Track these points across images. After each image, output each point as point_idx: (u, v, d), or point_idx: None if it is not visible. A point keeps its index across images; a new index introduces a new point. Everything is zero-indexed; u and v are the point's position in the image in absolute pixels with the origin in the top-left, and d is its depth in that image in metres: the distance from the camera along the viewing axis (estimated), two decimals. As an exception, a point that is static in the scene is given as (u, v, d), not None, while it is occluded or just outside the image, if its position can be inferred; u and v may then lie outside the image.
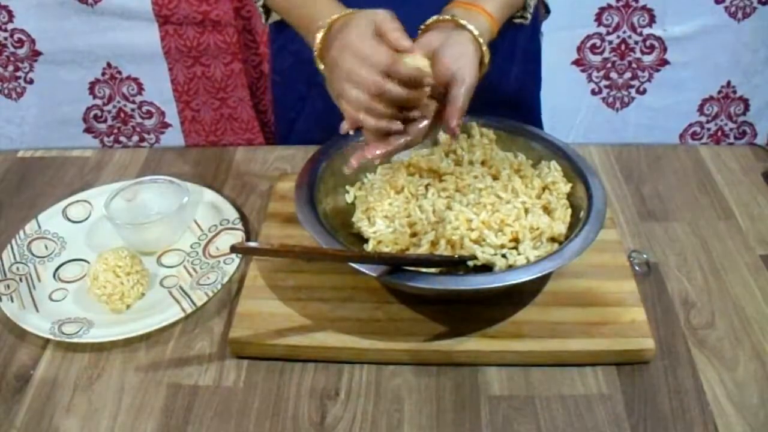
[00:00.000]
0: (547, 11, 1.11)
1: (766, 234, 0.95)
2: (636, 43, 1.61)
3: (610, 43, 1.62)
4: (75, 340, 0.81)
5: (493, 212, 0.83)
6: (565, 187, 0.88)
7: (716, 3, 1.55)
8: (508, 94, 1.07)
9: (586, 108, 1.70)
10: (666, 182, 1.04)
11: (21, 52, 1.63)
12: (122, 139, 1.78)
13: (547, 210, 0.86)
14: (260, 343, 0.79)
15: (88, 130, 1.75)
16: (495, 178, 0.89)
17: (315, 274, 0.86)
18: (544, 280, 0.84)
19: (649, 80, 1.66)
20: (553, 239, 0.83)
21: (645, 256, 0.91)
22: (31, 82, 1.68)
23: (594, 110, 1.71)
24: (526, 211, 0.84)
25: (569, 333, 0.79)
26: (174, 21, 1.57)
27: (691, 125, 1.73)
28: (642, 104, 1.70)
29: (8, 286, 0.88)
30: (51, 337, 0.81)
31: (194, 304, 0.85)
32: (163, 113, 1.72)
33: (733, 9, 1.56)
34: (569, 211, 0.86)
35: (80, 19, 1.57)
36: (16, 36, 1.61)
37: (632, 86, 1.67)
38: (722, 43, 1.60)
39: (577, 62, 1.64)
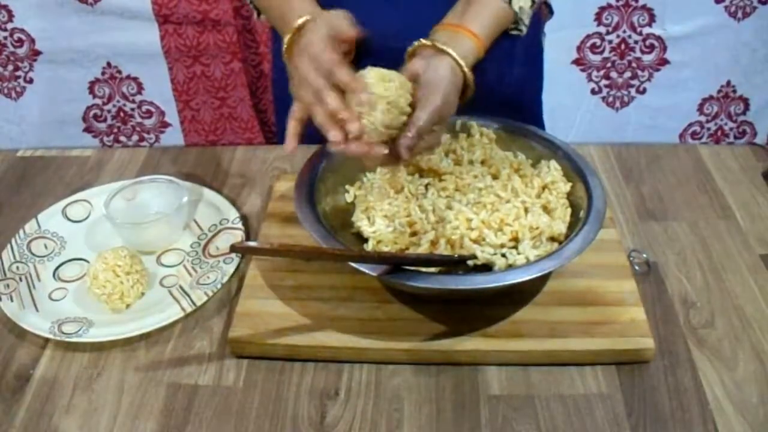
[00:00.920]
0: (551, 12, 1.11)
1: (766, 233, 0.95)
2: (636, 42, 1.61)
3: (610, 42, 1.62)
4: (75, 339, 0.81)
5: (493, 212, 0.83)
6: (565, 187, 0.88)
7: (716, 2, 1.55)
8: (509, 96, 1.07)
9: (586, 107, 1.70)
10: (666, 182, 1.04)
11: (21, 51, 1.63)
12: (122, 138, 1.78)
13: (546, 209, 0.86)
14: (260, 343, 0.79)
15: (87, 130, 1.75)
16: (495, 177, 0.89)
17: (315, 274, 0.86)
18: (543, 279, 0.84)
19: (648, 80, 1.66)
20: (552, 239, 0.83)
21: (645, 255, 0.91)
22: (30, 81, 1.68)
23: (594, 110, 1.71)
24: (526, 210, 0.84)
25: (569, 332, 0.79)
26: (174, 20, 1.57)
27: (690, 125, 1.73)
28: (642, 104, 1.70)
29: (8, 286, 0.88)
30: (51, 336, 0.81)
31: (194, 303, 0.85)
32: (162, 113, 1.72)
33: (733, 8, 1.56)
34: (569, 210, 0.86)
35: (80, 18, 1.57)
36: (16, 35, 1.61)
37: (632, 86, 1.67)
38: (722, 42, 1.60)
39: (577, 62, 1.64)
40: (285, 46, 0.86)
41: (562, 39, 1.59)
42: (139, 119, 1.74)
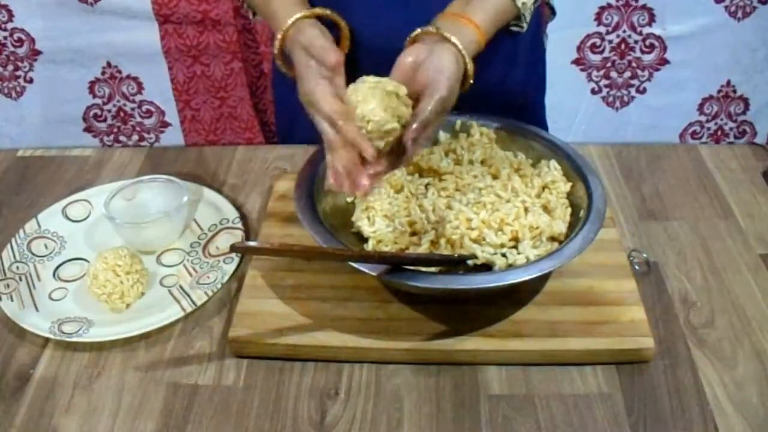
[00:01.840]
0: (553, 13, 1.11)
1: (766, 233, 0.95)
2: (636, 42, 1.61)
3: (610, 42, 1.61)
4: (75, 339, 0.81)
5: (493, 211, 0.83)
6: (565, 187, 0.88)
7: (716, 2, 1.55)
8: (511, 97, 1.07)
9: (586, 107, 1.70)
10: (666, 181, 1.04)
11: (21, 51, 1.63)
12: (122, 138, 1.77)
13: (546, 209, 0.86)
14: (260, 343, 0.79)
15: (87, 129, 1.75)
16: (495, 177, 0.89)
17: (315, 274, 0.86)
18: (543, 279, 0.84)
19: (648, 79, 1.66)
20: (552, 238, 0.83)
21: (645, 255, 0.91)
22: (30, 81, 1.68)
23: (594, 109, 1.70)
24: (526, 210, 0.84)
25: (569, 332, 0.79)
26: (174, 20, 1.57)
27: (690, 124, 1.73)
28: (642, 103, 1.69)
29: (8, 286, 0.88)
30: (51, 336, 0.81)
31: (194, 303, 0.85)
32: (162, 112, 1.72)
33: (733, 8, 1.56)
34: (569, 210, 0.86)
35: (80, 18, 1.57)
36: (16, 35, 1.61)
37: (632, 85, 1.67)
38: (722, 42, 1.60)
39: (577, 61, 1.64)
40: (276, 51, 0.88)
41: (562, 39, 1.58)
42: (139, 119, 1.74)
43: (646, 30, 1.59)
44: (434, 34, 0.82)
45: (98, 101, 1.71)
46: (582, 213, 0.83)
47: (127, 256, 0.87)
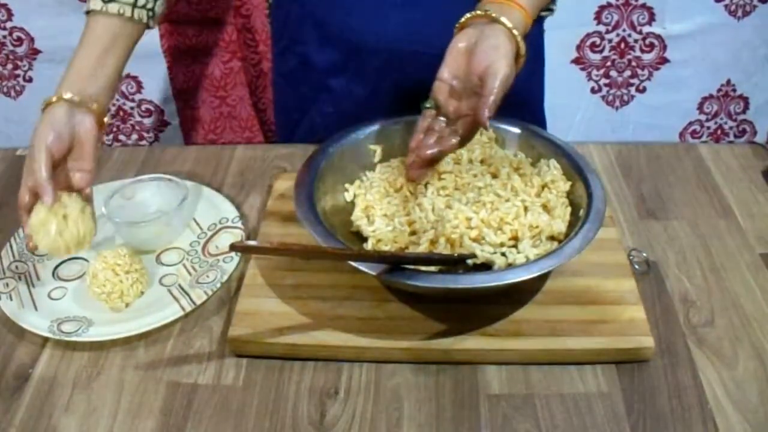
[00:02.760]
0: (554, 4, 1.10)
1: (766, 232, 0.94)
2: (636, 41, 1.61)
3: (610, 41, 1.61)
4: (74, 338, 0.81)
5: (493, 211, 0.83)
6: (565, 186, 0.88)
7: (716, 1, 1.55)
8: (513, 93, 1.07)
9: (586, 106, 1.70)
10: (665, 181, 1.04)
11: (20, 50, 1.63)
12: (121, 137, 1.77)
13: (546, 208, 0.86)
14: (259, 342, 0.79)
15: (87, 129, 1.75)
16: (494, 176, 0.89)
17: (314, 273, 0.86)
18: (543, 278, 0.83)
19: (648, 78, 1.66)
20: (552, 238, 0.83)
21: (644, 254, 0.91)
22: (30, 80, 1.68)
23: (593, 109, 1.70)
24: (526, 209, 0.84)
25: (569, 331, 0.78)
26: (173, 19, 1.57)
27: (690, 124, 1.73)
28: (642, 103, 1.69)
29: (7, 285, 0.88)
30: (50, 335, 0.81)
31: (193, 302, 0.85)
32: (162, 111, 1.72)
33: (732, 7, 1.56)
34: (569, 209, 0.86)
35: (79, 17, 1.54)
36: (15, 34, 1.61)
37: (632, 84, 1.67)
38: (722, 41, 1.60)
39: (576, 60, 1.64)
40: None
41: (562, 38, 1.59)
42: (138, 118, 1.74)
43: (646, 29, 1.59)
44: (483, 17, 0.82)
45: (98, 100, 1.70)
46: (582, 212, 0.83)
47: (126, 255, 0.87)
